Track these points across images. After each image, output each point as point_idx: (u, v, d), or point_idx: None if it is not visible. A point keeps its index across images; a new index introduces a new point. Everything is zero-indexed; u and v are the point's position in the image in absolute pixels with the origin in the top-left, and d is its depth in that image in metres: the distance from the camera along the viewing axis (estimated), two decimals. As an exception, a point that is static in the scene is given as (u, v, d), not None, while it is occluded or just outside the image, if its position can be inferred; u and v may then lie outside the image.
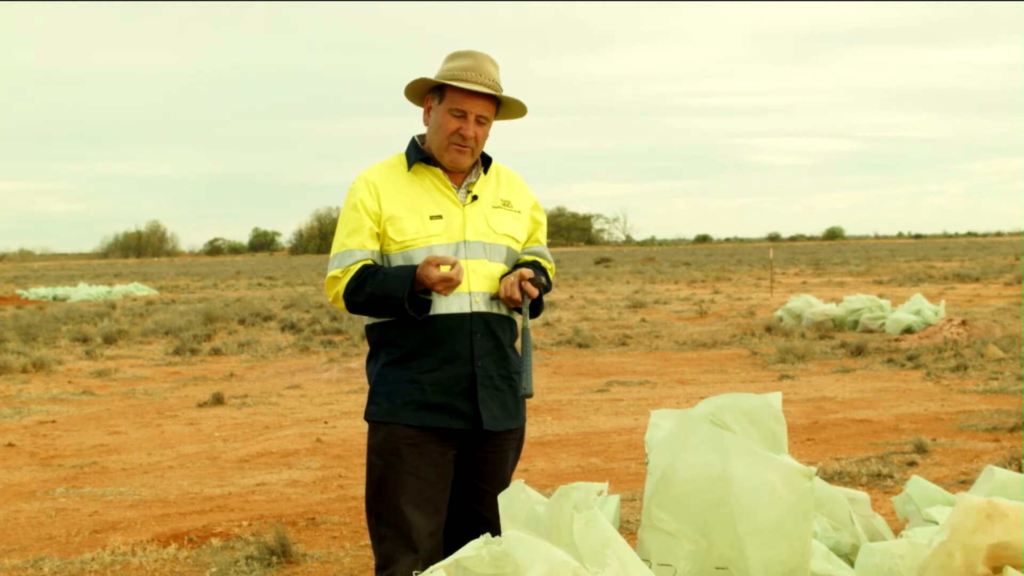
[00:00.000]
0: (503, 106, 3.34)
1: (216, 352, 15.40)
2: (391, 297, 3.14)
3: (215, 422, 9.52)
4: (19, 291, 36.53)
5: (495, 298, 3.30)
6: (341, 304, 3.24)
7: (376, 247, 3.25)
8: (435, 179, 3.30)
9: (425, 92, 3.33)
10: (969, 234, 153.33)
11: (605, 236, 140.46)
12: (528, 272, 3.27)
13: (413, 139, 3.39)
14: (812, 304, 16.93)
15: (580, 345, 15.09)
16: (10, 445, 8.64)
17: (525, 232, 3.44)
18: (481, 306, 3.27)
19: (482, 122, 3.27)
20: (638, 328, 17.56)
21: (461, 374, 3.23)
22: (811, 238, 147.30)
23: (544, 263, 3.48)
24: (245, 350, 15.54)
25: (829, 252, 75.79)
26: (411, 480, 3.18)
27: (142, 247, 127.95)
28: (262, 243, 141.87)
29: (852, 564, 3.58)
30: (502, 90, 3.28)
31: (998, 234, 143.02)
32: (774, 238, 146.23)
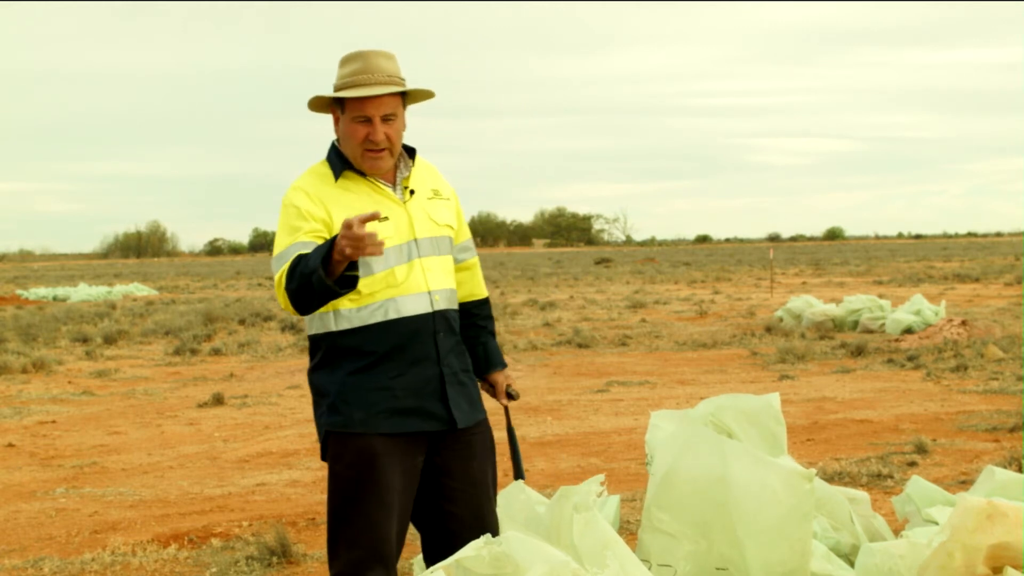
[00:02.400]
0: (411, 93, 3.24)
1: (216, 352, 15.41)
2: (313, 272, 2.91)
3: (215, 422, 9.52)
4: (19, 291, 36.55)
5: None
6: (288, 303, 3.04)
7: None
8: (368, 182, 3.20)
9: (329, 102, 3.22)
10: (969, 234, 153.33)
11: (605, 236, 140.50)
12: (501, 392, 3.43)
13: (334, 146, 3.26)
14: (812, 304, 16.93)
15: (580, 345, 15.09)
16: (10, 445, 8.65)
17: (456, 220, 3.40)
18: (441, 303, 3.22)
19: (390, 120, 3.15)
20: (638, 328, 17.56)
21: (429, 375, 3.18)
22: (811, 238, 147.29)
23: (474, 261, 3.49)
24: (245, 350, 15.55)
25: (829, 252, 75.81)
26: (384, 490, 3.12)
27: (142, 247, 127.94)
28: (262, 243, 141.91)
29: (852, 564, 3.58)
30: (403, 82, 3.18)
31: (998, 234, 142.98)
32: (774, 238, 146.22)
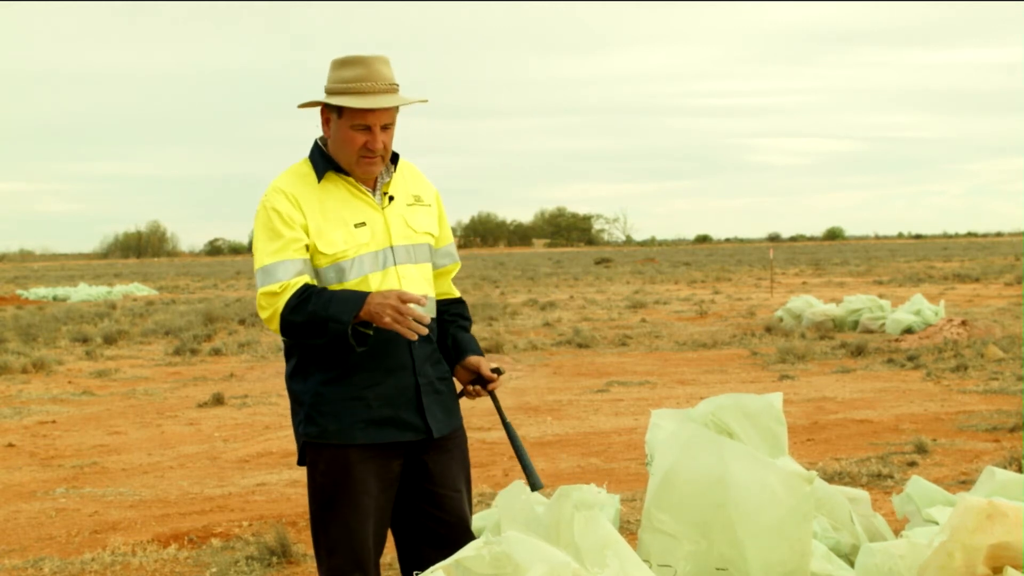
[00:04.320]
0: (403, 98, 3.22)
1: (216, 352, 15.41)
2: (334, 320, 2.96)
3: (215, 422, 9.53)
4: (19, 291, 36.55)
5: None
6: (276, 324, 3.03)
7: (308, 259, 3.09)
8: (349, 185, 3.18)
9: (319, 103, 3.19)
10: (969, 234, 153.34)
11: (605, 236, 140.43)
12: (485, 369, 3.25)
13: (318, 145, 3.21)
14: (812, 304, 16.93)
15: (580, 345, 15.09)
16: (10, 445, 8.65)
17: (437, 226, 3.36)
18: (422, 311, 3.15)
19: (387, 128, 3.13)
20: (638, 328, 17.56)
21: (405, 384, 3.15)
22: (811, 238, 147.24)
23: (455, 267, 3.43)
24: (245, 350, 15.56)
25: (829, 252, 75.82)
26: (361, 497, 3.11)
27: (142, 247, 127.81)
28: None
29: (852, 564, 3.58)
30: (398, 89, 3.15)
31: (998, 234, 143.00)
32: (774, 238, 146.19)
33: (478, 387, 3.29)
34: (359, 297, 3.00)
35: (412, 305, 2.99)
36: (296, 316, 3.01)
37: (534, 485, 3.16)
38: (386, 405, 3.13)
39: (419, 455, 3.21)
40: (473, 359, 3.28)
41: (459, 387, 3.34)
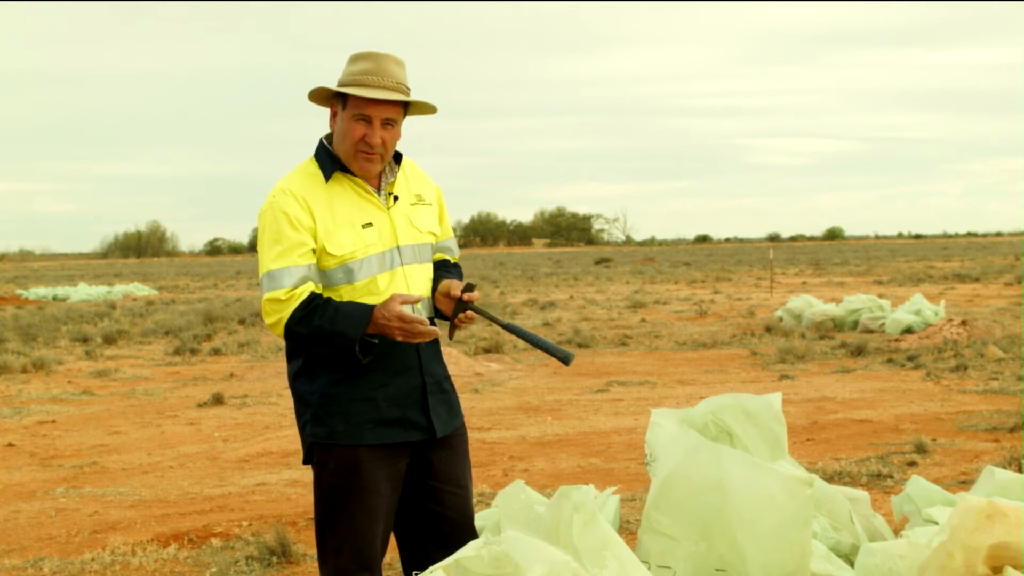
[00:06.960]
0: (413, 104, 3.22)
1: (216, 352, 15.41)
2: (340, 335, 3.00)
3: (215, 422, 9.52)
4: (19, 291, 36.54)
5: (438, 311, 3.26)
6: (280, 330, 3.06)
7: (314, 263, 3.09)
8: (355, 185, 3.17)
9: (330, 95, 3.19)
10: (969, 234, 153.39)
11: (605, 236, 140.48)
12: (456, 288, 3.20)
13: (323, 144, 3.22)
14: (812, 304, 16.93)
15: (580, 345, 15.08)
16: (10, 445, 8.65)
17: (438, 224, 3.37)
18: (422, 312, 3.19)
19: (389, 126, 3.13)
20: (638, 328, 17.56)
21: (412, 385, 3.16)
22: (811, 238, 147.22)
23: (452, 259, 3.44)
24: (245, 350, 15.55)
25: (829, 252, 75.80)
26: (371, 497, 3.12)
27: (142, 247, 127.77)
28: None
29: (852, 564, 3.58)
30: (409, 91, 3.16)
31: (998, 234, 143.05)
32: (774, 238, 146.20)
33: (465, 313, 3.21)
34: (364, 311, 3.02)
35: (411, 308, 3.02)
36: (301, 328, 3.03)
37: (566, 358, 3.17)
38: (394, 405, 3.14)
39: (424, 452, 3.22)
40: (444, 283, 3.24)
41: (442, 330, 3.21)
